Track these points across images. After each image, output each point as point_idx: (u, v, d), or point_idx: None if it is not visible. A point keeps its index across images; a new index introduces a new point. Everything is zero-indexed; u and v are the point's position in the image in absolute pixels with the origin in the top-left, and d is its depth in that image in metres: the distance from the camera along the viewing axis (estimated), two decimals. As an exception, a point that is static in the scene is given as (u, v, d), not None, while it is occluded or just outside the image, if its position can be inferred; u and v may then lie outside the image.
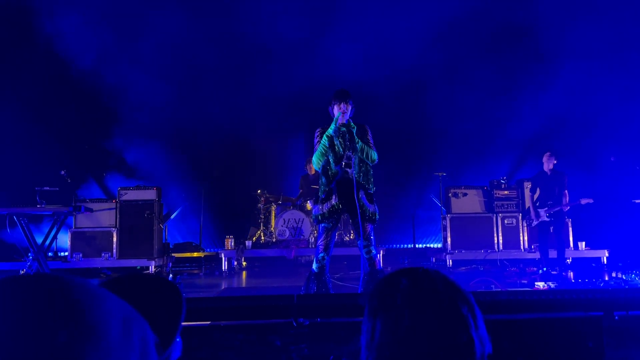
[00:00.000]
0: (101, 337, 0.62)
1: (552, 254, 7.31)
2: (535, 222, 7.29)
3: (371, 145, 4.41)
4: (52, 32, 9.14)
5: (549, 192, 7.16)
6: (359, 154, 4.27)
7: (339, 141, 4.35)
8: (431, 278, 0.95)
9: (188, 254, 9.28)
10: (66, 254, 8.15)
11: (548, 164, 7.15)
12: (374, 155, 4.38)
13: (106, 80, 9.61)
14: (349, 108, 4.41)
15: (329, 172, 4.38)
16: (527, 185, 8.57)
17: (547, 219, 7.14)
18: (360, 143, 4.29)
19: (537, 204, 7.27)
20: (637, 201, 7.29)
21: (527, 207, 7.69)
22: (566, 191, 7.12)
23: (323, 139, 4.33)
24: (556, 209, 7.06)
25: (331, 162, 4.35)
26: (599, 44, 9.39)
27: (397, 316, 0.88)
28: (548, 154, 7.17)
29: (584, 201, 7.06)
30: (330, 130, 4.29)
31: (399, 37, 10.05)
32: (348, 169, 4.32)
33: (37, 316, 0.59)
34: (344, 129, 4.37)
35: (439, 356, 0.86)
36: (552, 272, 6.97)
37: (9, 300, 0.60)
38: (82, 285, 0.66)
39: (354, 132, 4.30)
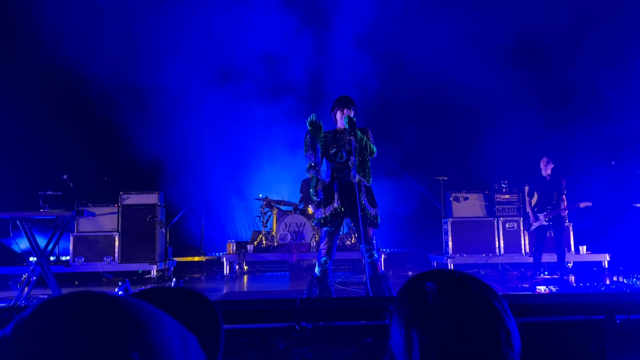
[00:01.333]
0: (168, 358, 0.60)
1: (550, 258, 7.34)
2: (534, 226, 7.30)
3: (372, 142, 4.45)
4: (55, 37, 9.17)
5: (547, 197, 7.17)
6: (358, 144, 4.28)
7: (337, 147, 4.40)
8: (457, 278, 0.92)
9: (190, 258, 9.30)
10: (68, 258, 8.17)
11: (546, 169, 7.17)
12: (374, 148, 4.41)
13: (108, 85, 9.64)
14: (352, 114, 4.44)
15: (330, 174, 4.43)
16: (523, 188, 8.59)
17: (546, 223, 7.15)
18: (359, 133, 4.32)
19: (536, 209, 7.30)
20: (638, 205, 7.30)
21: (526, 211, 7.72)
22: (564, 196, 7.14)
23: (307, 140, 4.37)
24: (555, 213, 7.07)
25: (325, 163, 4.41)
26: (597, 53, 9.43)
27: (433, 323, 0.85)
28: (545, 159, 7.18)
29: (582, 204, 7.04)
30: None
31: (404, 42, 10.09)
32: (349, 172, 4.36)
33: (109, 337, 0.57)
34: (343, 134, 4.42)
35: (486, 354, 0.83)
36: (554, 277, 6.98)
37: (81, 321, 0.57)
38: (140, 305, 0.63)
39: (355, 120, 4.34)
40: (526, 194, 7.90)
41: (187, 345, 0.66)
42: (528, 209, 7.43)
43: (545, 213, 7.13)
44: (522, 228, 8.60)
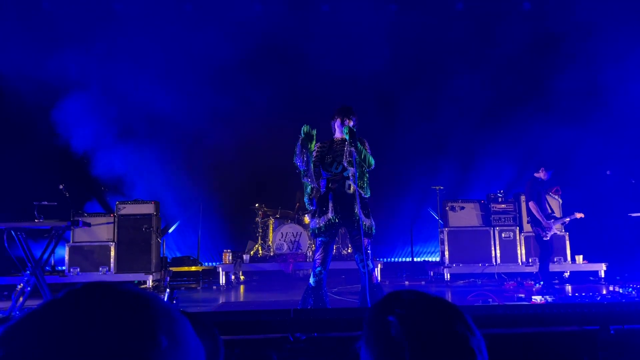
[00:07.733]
0: (186, 355, 0.64)
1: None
2: (548, 235, 6.80)
3: (369, 153, 4.45)
4: (51, 45, 9.17)
5: (545, 202, 7.05)
6: (357, 157, 4.28)
7: (332, 157, 4.41)
8: (427, 309, 0.88)
9: (186, 268, 9.26)
10: (64, 268, 8.13)
11: (545, 175, 6.98)
12: (372, 160, 4.40)
13: (104, 93, 9.64)
14: (351, 124, 4.45)
15: (326, 185, 4.43)
16: (519, 197, 8.56)
17: (561, 234, 7.07)
18: (359, 145, 4.32)
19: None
20: (633, 215, 7.31)
21: (529, 218, 7.15)
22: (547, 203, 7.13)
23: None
24: (565, 220, 7.10)
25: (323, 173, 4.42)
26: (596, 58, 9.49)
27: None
28: (543, 168, 7.06)
29: (578, 215, 7.08)
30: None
31: (398, 48, 10.13)
32: (348, 182, 4.36)
33: (142, 318, 0.61)
34: (340, 144, 4.43)
35: None
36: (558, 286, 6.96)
37: (114, 302, 0.62)
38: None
39: (355, 130, 4.34)
40: (526, 199, 7.40)
41: (199, 352, 0.70)
42: (539, 216, 6.82)
43: (553, 220, 6.95)
44: (518, 237, 8.60)
